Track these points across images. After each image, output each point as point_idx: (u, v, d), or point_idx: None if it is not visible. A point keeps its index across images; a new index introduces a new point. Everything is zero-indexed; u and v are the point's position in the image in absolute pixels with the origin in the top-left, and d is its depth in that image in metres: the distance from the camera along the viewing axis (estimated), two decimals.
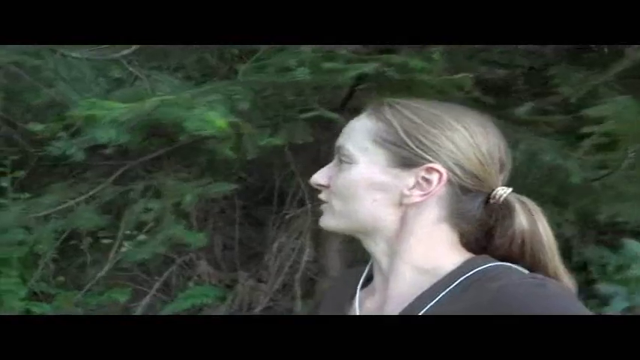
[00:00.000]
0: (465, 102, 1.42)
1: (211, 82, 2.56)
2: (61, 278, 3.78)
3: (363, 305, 1.10)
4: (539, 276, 0.99)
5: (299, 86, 2.36)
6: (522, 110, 2.33)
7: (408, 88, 2.16)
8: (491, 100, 2.31)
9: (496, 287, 0.95)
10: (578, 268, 3.45)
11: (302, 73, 2.19)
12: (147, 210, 2.92)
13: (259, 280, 3.63)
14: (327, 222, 1.09)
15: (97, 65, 2.74)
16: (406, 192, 1.03)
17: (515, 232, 1.03)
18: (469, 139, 1.03)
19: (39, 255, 3.41)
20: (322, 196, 1.10)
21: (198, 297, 3.58)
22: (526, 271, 1.01)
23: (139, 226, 3.04)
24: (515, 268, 1.01)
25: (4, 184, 3.23)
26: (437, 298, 1.00)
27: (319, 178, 1.09)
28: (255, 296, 3.56)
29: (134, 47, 2.60)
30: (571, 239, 3.33)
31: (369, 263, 1.13)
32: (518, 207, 1.04)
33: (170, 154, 3.17)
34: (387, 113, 1.05)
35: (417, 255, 1.04)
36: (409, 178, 1.03)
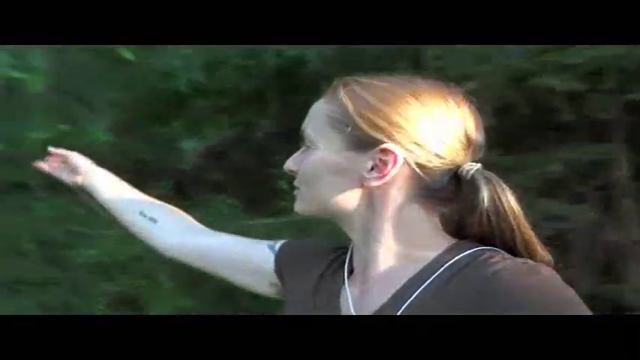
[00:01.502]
0: None
1: None
2: None
3: (351, 293, 1.07)
4: (531, 262, 0.96)
5: None
6: None
7: None
8: None
9: (489, 274, 0.93)
10: None
11: None
12: None
13: None
14: (299, 207, 1.09)
15: None
16: (365, 175, 1.01)
17: (481, 209, 0.99)
18: (426, 114, 1.00)
19: None
20: (295, 182, 1.09)
21: None
22: (518, 259, 0.97)
23: None
24: (503, 253, 0.98)
25: None
26: (424, 285, 0.98)
27: (290, 163, 1.09)
28: None
29: None
30: None
31: (350, 249, 1.10)
32: (482, 183, 1.00)
33: None
34: (341, 94, 1.02)
35: (394, 238, 1.02)
36: (367, 161, 1.00)
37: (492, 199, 0.99)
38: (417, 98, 0.99)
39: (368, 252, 1.04)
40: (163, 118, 2.88)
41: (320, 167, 1.03)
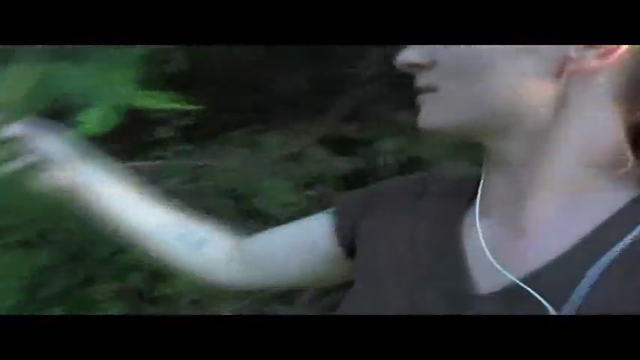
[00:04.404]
0: None
1: None
2: None
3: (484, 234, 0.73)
4: None
5: None
6: None
7: None
8: None
9: None
10: None
11: None
12: None
13: None
14: (437, 119, 0.71)
15: None
16: (573, 53, 0.65)
17: None
18: None
19: None
20: (423, 81, 0.71)
21: None
22: None
23: None
24: None
25: None
26: (615, 247, 0.63)
27: (414, 55, 0.70)
28: None
29: None
30: None
31: (482, 176, 0.76)
32: None
33: None
34: None
35: (577, 159, 0.68)
36: None
37: None
38: None
39: (530, 179, 0.69)
40: None
41: (500, 47, 0.66)
